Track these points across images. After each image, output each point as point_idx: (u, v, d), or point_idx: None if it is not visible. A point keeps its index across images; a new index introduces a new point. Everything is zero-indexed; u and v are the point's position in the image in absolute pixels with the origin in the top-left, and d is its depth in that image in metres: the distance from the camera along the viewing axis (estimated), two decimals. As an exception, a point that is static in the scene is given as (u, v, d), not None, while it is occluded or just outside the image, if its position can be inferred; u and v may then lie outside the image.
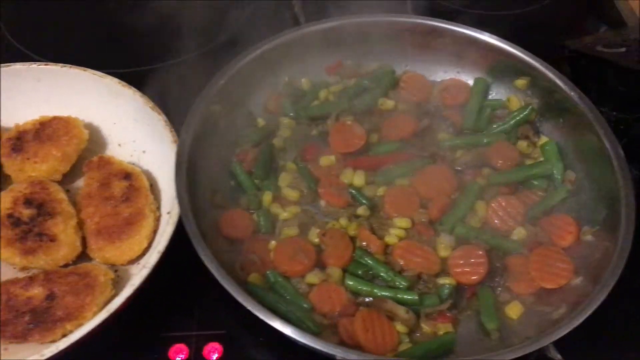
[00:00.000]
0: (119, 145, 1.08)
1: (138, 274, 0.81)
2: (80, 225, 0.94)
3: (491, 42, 1.16)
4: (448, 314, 0.91)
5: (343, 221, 1.00)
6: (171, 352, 0.89)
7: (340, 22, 1.18)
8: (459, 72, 1.21)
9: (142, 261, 0.92)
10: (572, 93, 1.07)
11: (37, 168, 0.99)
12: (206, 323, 0.91)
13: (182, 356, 0.89)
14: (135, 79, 1.08)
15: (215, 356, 0.89)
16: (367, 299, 0.91)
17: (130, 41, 1.28)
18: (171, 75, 1.22)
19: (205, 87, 1.03)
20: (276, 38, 1.13)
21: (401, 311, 0.88)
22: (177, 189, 0.89)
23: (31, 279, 0.86)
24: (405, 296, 0.90)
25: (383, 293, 0.90)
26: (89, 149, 1.05)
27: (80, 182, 1.04)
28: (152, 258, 0.83)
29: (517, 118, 1.12)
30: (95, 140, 1.07)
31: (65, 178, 1.02)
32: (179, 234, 0.88)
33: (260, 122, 1.14)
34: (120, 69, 1.11)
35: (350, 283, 0.92)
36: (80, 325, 0.83)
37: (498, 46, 1.15)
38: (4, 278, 0.91)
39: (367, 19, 1.19)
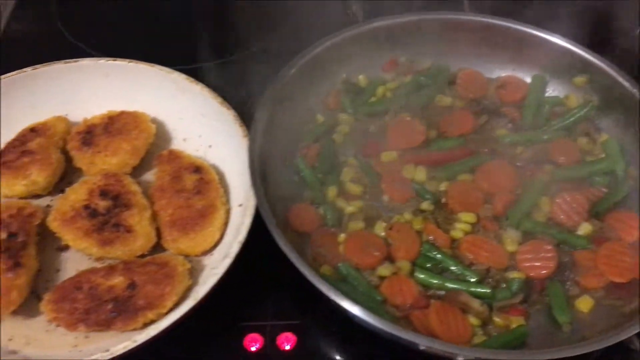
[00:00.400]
0: (184, 140, 1.10)
1: (221, 264, 0.83)
2: (154, 217, 0.96)
3: (549, 39, 1.16)
4: (519, 308, 0.91)
5: (408, 215, 1.00)
6: (246, 341, 0.90)
7: (396, 20, 1.19)
8: (515, 69, 1.21)
9: (218, 252, 0.93)
10: (634, 90, 1.07)
11: (107, 161, 1.00)
12: (280, 313, 0.93)
13: (257, 345, 0.90)
14: (195, 75, 1.10)
15: (288, 346, 0.90)
16: (438, 292, 0.92)
17: (189, 38, 1.30)
18: (226, 72, 1.25)
19: (270, 84, 1.05)
20: (335, 36, 1.14)
21: (476, 304, 0.88)
22: (252, 182, 0.90)
23: (111, 269, 0.87)
24: (478, 289, 0.91)
25: (455, 286, 0.91)
26: (155, 143, 1.07)
27: (148, 176, 1.06)
28: (233, 248, 0.84)
29: (577, 115, 1.12)
30: (160, 135, 1.08)
31: (134, 171, 1.04)
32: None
33: (320, 118, 1.15)
34: (177, 66, 1.13)
35: (421, 276, 0.92)
36: (160, 314, 0.85)
37: (556, 43, 1.16)
38: (78, 268, 0.93)
39: (424, 16, 1.20)
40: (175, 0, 1.39)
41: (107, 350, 0.75)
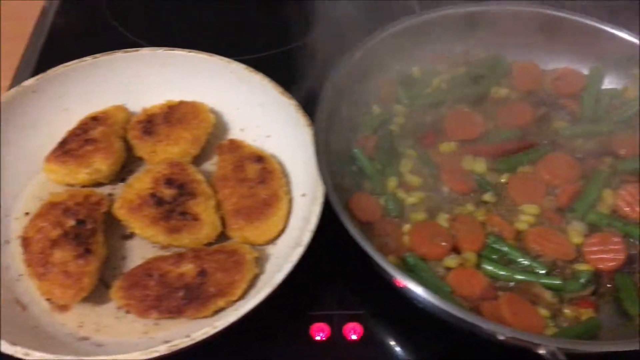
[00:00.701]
0: (241, 130, 1.09)
1: (294, 252, 0.82)
2: (218, 206, 0.95)
3: (607, 29, 1.14)
4: (589, 300, 0.90)
5: (470, 207, 0.99)
6: (312, 330, 0.90)
7: (450, 11, 1.18)
8: (571, 60, 1.20)
9: (282, 241, 0.93)
10: (696, 81, 1.06)
11: (169, 150, 1.00)
12: (347, 303, 0.92)
13: (323, 335, 0.89)
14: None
15: (355, 336, 0.90)
16: (505, 284, 0.91)
17: (245, 28, 1.29)
18: (278, 63, 1.24)
19: (331, 74, 1.04)
20: (391, 27, 1.13)
21: (548, 295, 0.87)
22: (320, 171, 0.90)
23: (180, 256, 0.87)
24: (548, 281, 0.89)
25: (525, 278, 0.90)
26: (212, 133, 1.06)
27: (207, 165, 1.06)
28: (305, 237, 0.84)
29: (636, 107, 1.11)
30: (218, 124, 1.08)
31: (194, 161, 1.04)
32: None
33: (375, 109, 1.14)
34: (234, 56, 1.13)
35: (489, 268, 0.91)
36: (230, 301, 0.85)
37: (614, 34, 1.14)
38: (144, 256, 0.93)
39: (477, 7, 1.19)
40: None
41: (188, 336, 0.74)
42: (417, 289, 0.78)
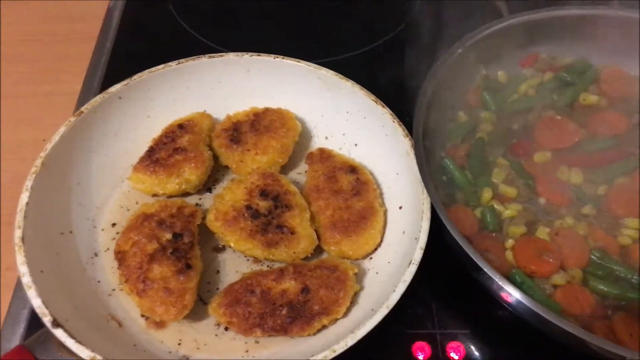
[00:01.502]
0: (326, 138, 1.06)
1: (407, 270, 0.79)
2: (312, 218, 0.92)
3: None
4: None
5: (570, 220, 0.95)
6: (414, 348, 0.86)
7: (536, 15, 1.14)
8: (658, 66, 1.15)
9: (378, 255, 0.90)
10: None
11: (257, 160, 0.97)
12: (448, 321, 0.89)
13: (425, 354, 0.86)
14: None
15: (457, 356, 0.87)
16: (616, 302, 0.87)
17: (312, 32, 1.26)
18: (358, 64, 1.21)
19: (424, 82, 1.00)
20: (478, 32, 1.09)
21: (666, 316, 0.83)
22: (425, 185, 0.87)
23: (281, 272, 0.84)
24: (663, 300, 0.85)
25: (637, 296, 0.86)
26: (297, 141, 1.03)
27: (293, 174, 1.03)
28: (416, 254, 0.81)
29: None
30: (302, 132, 1.05)
31: (282, 170, 1.01)
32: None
33: (462, 116, 1.10)
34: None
35: (600, 286, 0.87)
36: (334, 319, 0.82)
37: None
38: (238, 270, 0.90)
39: (564, 11, 1.14)
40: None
41: (308, 360, 0.71)
42: (532, 305, 0.75)
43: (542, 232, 0.94)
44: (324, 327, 0.82)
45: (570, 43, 1.16)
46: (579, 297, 0.87)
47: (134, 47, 1.29)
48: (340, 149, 1.04)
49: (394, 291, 0.76)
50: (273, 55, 1.04)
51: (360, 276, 0.89)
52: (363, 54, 1.21)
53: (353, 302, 0.85)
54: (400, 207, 0.92)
